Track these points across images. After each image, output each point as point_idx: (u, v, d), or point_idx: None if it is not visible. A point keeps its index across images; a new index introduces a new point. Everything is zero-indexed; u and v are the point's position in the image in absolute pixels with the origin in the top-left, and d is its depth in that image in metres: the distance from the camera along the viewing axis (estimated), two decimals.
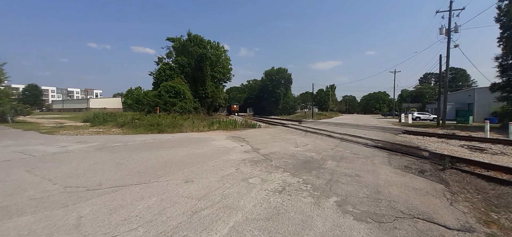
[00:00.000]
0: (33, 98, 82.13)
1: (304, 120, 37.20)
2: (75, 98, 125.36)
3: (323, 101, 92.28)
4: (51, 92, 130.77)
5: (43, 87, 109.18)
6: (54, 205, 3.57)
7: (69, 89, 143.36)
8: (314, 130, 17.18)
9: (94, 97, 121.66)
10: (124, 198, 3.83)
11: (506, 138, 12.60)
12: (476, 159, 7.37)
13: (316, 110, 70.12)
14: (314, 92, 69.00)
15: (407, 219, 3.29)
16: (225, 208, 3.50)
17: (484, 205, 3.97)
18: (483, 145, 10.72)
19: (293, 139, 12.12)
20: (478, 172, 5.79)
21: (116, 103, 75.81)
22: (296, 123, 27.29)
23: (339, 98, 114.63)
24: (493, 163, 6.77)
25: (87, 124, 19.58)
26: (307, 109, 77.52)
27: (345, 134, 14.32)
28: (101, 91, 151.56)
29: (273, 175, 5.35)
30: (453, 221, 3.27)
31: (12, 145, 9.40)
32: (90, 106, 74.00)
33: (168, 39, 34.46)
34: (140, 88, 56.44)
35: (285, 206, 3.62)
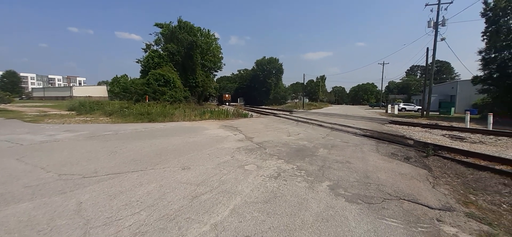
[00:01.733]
0: (11, 85, 77.94)
1: (295, 110, 37.62)
2: (57, 86, 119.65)
3: (313, 92, 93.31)
4: (31, 79, 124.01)
5: (21, 74, 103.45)
6: (51, 192, 3.56)
7: (50, 76, 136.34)
8: (305, 120, 17.51)
9: (78, 85, 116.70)
10: (123, 185, 3.87)
11: (485, 128, 13.40)
12: (457, 147, 7.86)
13: (306, 100, 70.85)
14: (305, 83, 69.52)
15: (394, 200, 3.55)
16: (224, 193, 3.63)
17: (463, 188, 4.32)
18: (463, 134, 11.38)
19: (285, 128, 12.33)
20: (458, 159, 6.22)
21: (101, 92, 73.15)
22: (287, 113, 27.60)
23: (329, 89, 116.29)
24: (472, 150, 7.26)
25: (72, 112, 18.93)
26: (297, 100, 78.21)
27: (335, 124, 14.71)
28: (84, 79, 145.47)
29: (268, 162, 5.51)
30: (435, 202, 3.56)
31: None
32: (74, 95, 70.99)
33: (156, 25, 33.29)
34: (126, 76, 54.63)
35: (281, 190, 3.79)
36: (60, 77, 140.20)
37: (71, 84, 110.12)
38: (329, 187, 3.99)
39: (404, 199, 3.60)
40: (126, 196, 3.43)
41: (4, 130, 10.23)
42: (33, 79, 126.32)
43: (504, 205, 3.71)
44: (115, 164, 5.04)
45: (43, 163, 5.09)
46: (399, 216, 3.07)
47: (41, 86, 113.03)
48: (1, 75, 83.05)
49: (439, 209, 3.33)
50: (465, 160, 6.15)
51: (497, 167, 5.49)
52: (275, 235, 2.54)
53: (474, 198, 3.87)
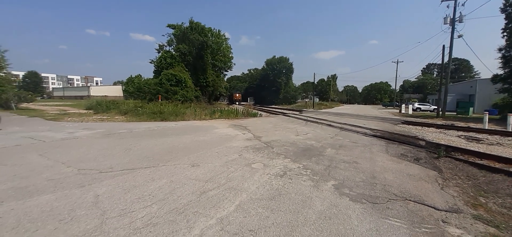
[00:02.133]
0: (33, 85, 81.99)
1: (305, 109, 37.34)
2: (75, 85, 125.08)
3: (324, 91, 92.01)
4: (51, 79, 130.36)
5: (43, 75, 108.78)
6: (71, 185, 3.84)
7: (69, 76, 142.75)
8: (315, 119, 17.40)
9: (95, 85, 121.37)
10: (136, 180, 4.09)
11: (504, 129, 12.80)
12: (471, 148, 7.60)
13: (317, 100, 70.07)
14: (315, 82, 68.76)
15: (400, 200, 3.55)
16: (231, 189, 3.76)
17: (474, 190, 4.23)
18: (480, 136, 10.94)
19: (293, 128, 12.35)
20: (471, 161, 6.03)
21: (116, 91, 75.76)
22: (297, 113, 27.47)
23: (340, 89, 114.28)
24: (487, 152, 7.01)
25: (90, 111, 19.81)
26: (308, 99, 77.47)
27: (345, 124, 14.54)
28: (101, 79, 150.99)
29: (275, 161, 5.61)
30: (442, 203, 3.53)
31: (19, 131, 9.66)
32: (91, 94, 73.94)
33: (169, 26, 34.14)
34: (140, 76, 56.22)
35: (286, 188, 3.88)
36: (79, 77, 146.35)
37: (89, 84, 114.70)
38: (334, 186, 4.04)
39: (410, 200, 3.59)
40: (139, 190, 3.65)
41: (28, 127, 10.91)
42: (54, 79, 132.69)
43: None
44: (129, 160, 5.32)
45: (63, 159, 5.44)
46: (403, 216, 3.08)
47: (61, 86, 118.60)
48: (24, 75, 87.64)
49: (446, 211, 3.30)
50: (479, 162, 5.95)
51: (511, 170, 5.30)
52: (278, 230, 2.65)
53: (484, 201, 3.79)
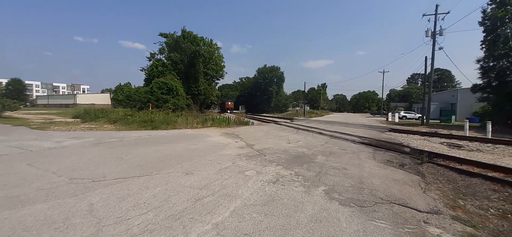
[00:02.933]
0: (16, 93, 78.95)
1: (296, 117, 37.86)
2: (61, 93, 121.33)
3: (314, 100, 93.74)
4: (36, 87, 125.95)
5: (27, 82, 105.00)
6: (64, 194, 3.82)
7: (54, 84, 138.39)
8: (306, 128, 17.74)
9: (81, 92, 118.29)
10: (130, 188, 4.12)
11: (483, 136, 13.54)
12: (452, 154, 8.04)
13: (307, 108, 71.24)
14: (306, 91, 70.00)
15: (385, 204, 3.76)
16: (225, 196, 3.86)
17: (453, 193, 4.52)
18: (461, 142, 11.54)
19: (285, 136, 12.57)
20: (452, 166, 6.41)
21: (104, 99, 74.05)
22: (288, 121, 27.84)
23: (330, 97, 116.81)
24: (467, 158, 7.44)
25: (77, 120, 19.32)
26: (298, 108, 78.58)
27: (335, 132, 14.92)
28: (88, 86, 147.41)
29: (267, 168, 5.75)
30: (424, 206, 3.77)
31: (5, 140, 9.35)
32: (77, 102, 71.91)
33: (161, 34, 34.21)
34: (130, 84, 55.49)
35: (279, 194, 4.02)
36: (65, 85, 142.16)
37: (75, 92, 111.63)
38: (325, 192, 4.22)
39: (394, 203, 3.81)
40: (134, 198, 3.68)
41: (13, 136, 10.57)
42: (38, 86, 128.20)
43: (492, 210, 3.90)
44: (122, 169, 5.31)
45: (53, 168, 5.36)
46: (388, 218, 3.28)
47: (45, 93, 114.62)
48: (7, 82, 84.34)
49: (427, 212, 3.53)
50: (459, 167, 6.33)
51: (489, 174, 5.67)
52: (271, 233, 2.77)
53: (462, 203, 4.06)
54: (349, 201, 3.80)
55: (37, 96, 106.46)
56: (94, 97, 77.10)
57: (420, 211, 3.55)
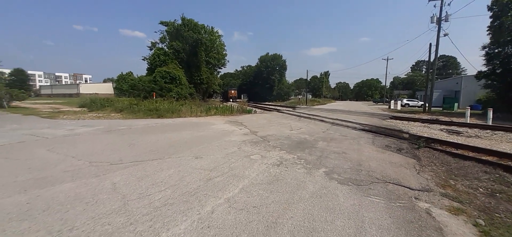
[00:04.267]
0: (20, 83, 79.52)
1: (298, 106, 38.05)
2: (63, 83, 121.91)
3: (316, 88, 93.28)
4: (38, 77, 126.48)
5: (29, 72, 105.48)
6: (87, 175, 4.20)
7: (57, 74, 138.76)
8: (308, 115, 18.01)
9: (84, 82, 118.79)
10: (146, 170, 4.49)
11: (484, 123, 13.72)
12: (449, 139, 8.31)
13: (310, 97, 71.10)
14: (308, 79, 69.66)
15: (380, 183, 4.10)
16: (234, 176, 4.22)
17: (446, 174, 4.84)
18: (460, 129, 11.76)
19: (288, 123, 12.88)
20: (448, 150, 6.70)
21: (107, 89, 74.50)
22: (291, 109, 28.08)
23: (333, 85, 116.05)
24: (464, 143, 7.71)
25: (84, 109, 19.76)
26: (301, 96, 78.51)
27: (337, 119, 15.19)
28: (90, 76, 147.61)
29: (271, 153, 6.09)
30: (416, 184, 4.10)
31: (19, 129, 9.78)
32: (81, 92, 72.51)
33: (162, 23, 33.90)
34: (132, 73, 55.58)
35: (282, 175, 4.37)
36: (67, 74, 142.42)
37: (78, 82, 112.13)
38: (325, 173, 4.56)
39: (389, 182, 4.14)
40: (151, 178, 4.06)
41: (25, 125, 11.00)
42: (41, 77, 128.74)
43: (481, 189, 4.21)
44: (136, 154, 5.69)
45: (72, 153, 5.76)
46: (382, 195, 3.62)
47: (48, 83, 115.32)
48: (9, 73, 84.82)
49: (419, 190, 3.87)
50: (455, 151, 6.62)
51: (483, 158, 5.96)
52: (277, 206, 3.13)
53: (453, 183, 4.38)
54: (347, 181, 4.15)
55: (40, 86, 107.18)
56: (96, 87, 77.59)
57: (412, 189, 3.88)
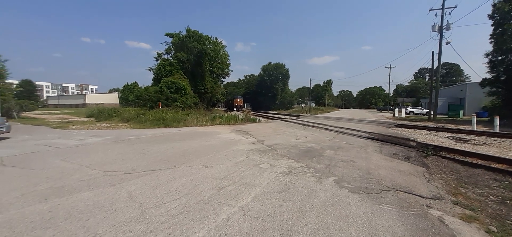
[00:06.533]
0: (28, 94, 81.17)
1: (301, 114, 38.11)
2: (70, 94, 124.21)
3: (320, 96, 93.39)
4: (46, 87, 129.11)
5: (37, 83, 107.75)
6: (104, 184, 4.32)
7: (63, 84, 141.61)
8: (312, 124, 18.05)
9: (90, 92, 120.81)
10: (160, 179, 4.60)
11: (491, 130, 13.60)
12: (456, 147, 8.27)
13: (313, 105, 71.22)
14: (311, 88, 69.93)
15: (391, 191, 4.13)
16: (245, 185, 4.30)
17: (456, 182, 4.85)
18: (468, 137, 11.69)
19: (293, 132, 12.95)
20: (457, 158, 6.68)
21: (112, 99, 75.61)
22: (295, 118, 28.15)
23: (336, 93, 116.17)
24: (472, 151, 7.67)
25: (92, 119, 20.12)
26: (304, 104, 78.59)
27: (342, 127, 15.20)
28: (96, 86, 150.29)
29: (280, 161, 6.16)
30: (427, 193, 4.12)
31: (30, 139, 10.03)
32: (87, 102, 73.69)
33: (167, 35, 34.74)
34: (137, 83, 56.48)
35: (293, 183, 4.43)
36: (74, 85, 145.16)
37: (84, 92, 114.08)
38: (335, 181, 4.61)
39: (400, 190, 4.17)
40: (165, 187, 4.16)
41: (37, 135, 11.26)
42: (48, 87, 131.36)
43: (492, 197, 4.22)
44: (147, 163, 5.81)
45: (85, 163, 5.90)
46: (394, 203, 3.66)
47: (55, 94, 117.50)
48: (18, 84, 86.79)
49: (430, 198, 3.89)
50: (463, 159, 6.60)
51: (492, 165, 5.94)
52: (290, 214, 3.19)
53: (464, 191, 4.40)
54: (358, 189, 4.19)
55: (47, 97, 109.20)
56: (102, 97, 78.78)
57: (423, 197, 3.91)
